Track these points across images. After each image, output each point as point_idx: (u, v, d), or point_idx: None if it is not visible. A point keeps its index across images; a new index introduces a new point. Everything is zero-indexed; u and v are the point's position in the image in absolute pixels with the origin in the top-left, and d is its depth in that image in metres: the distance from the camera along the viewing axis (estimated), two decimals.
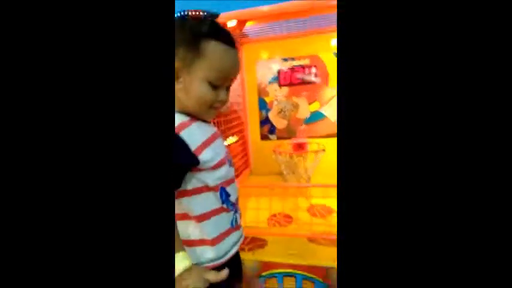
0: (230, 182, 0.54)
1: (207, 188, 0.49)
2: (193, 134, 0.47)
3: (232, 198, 0.54)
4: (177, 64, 0.45)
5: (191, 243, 0.50)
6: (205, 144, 0.47)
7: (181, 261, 0.43)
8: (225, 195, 0.52)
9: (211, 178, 0.49)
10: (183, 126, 0.47)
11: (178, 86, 0.47)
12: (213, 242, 0.50)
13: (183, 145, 0.45)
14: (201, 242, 0.50)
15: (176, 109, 0.49)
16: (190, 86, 0.47)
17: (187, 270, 0.43)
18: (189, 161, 0.46)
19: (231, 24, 1.19)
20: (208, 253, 0.50)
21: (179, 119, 0.47)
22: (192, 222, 0.50)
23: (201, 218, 0.49)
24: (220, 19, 1.30)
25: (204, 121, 0.51)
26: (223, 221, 0.52)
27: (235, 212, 0.56)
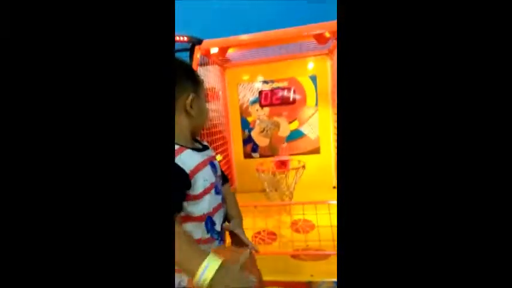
0: (217, 209, 0.56)
1: (191, 219, 0.52)
2: (186, 159, 0.51)
3: (218, 227, 0.56)
4: (191, 97, 0.53)
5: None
6: (195, 170, 0.51)
7: (213, 261, 0.41)
8: (210, 225, 0.54)
9: (196, 208, 0.51)
10: (179, 151, 0.51)
11: (190, 113, 0.54)
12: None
13: (178, 169, 0.48)
14: (180, 270, 0.52)
15: (187, 136, 0.54)
16: (202, 107, 0.57)
17: (220, 271, 0.41)
18: (186, 184, 0.49)
19: (213, 51, 1.26)
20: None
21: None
22: None
23: None
24: (203, 45, 1.37)
25: (194, 149, 0.55)
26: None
27: (220, 240, 0.58)
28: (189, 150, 0.52)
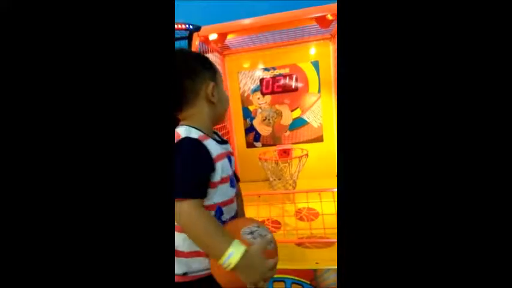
0: (229, 202, 0.56)
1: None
2: (211, 145, 0.52)
3: (225, 217, 0.56)
4: (212, 85, 0.55)
5: (180, 254, 0.52)
6: (217, 158, 0.52)
7: (238, 249, 0.44)
8: (219, 214, 0.54)
9: (209, 197, 0.51)
10: (204, 138, 0.52)
11: (212, 101, 0.55)
12: (187, 254, 0.52)
13: (207, 152, 0.50)
14: (190, 254, 0.52)
15: (196, 125, 0.54)
16: (222, 94, 0.59)
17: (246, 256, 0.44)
18: (211, 168, 0.50)
19: (212, 37, 1.22)
20: (196, 264, 0.52)
21: (198, 133, 0.52)
22: (181, 234, 0.51)
23: (180, 229, 0.51)
24: (202, 32, 1.33)
25: (215, 140, 0.55)
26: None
27: None
28: (211, 140, 0.53)
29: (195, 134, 0.51)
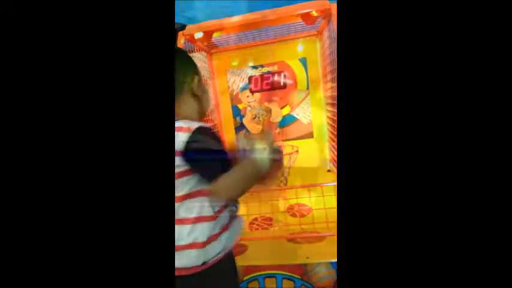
0: None
1: (201, 193, 0.52)
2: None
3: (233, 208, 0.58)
4: (197, 79, 0.56)
5: (195, 246, 0.52)
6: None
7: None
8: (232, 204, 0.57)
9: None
10: None
11: (197, 94, 0.57)
12: (203, 244, 0.53)
13: (219, 139, 0.54)
14: (206, 243, 0.53)
15: (196, 118, 0.56)
16: (204, 88, 0.60)
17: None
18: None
19: (198, 36, 1.21)
20: (211, 250, 0.53)
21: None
22: (184, 226, 0.51)
23: (194, 220, 0.51)
24: (187, 31, 1.32)
25: None
26: (211, 226, 0.53)
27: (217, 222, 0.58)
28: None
29: (197, 125, 0.52)
